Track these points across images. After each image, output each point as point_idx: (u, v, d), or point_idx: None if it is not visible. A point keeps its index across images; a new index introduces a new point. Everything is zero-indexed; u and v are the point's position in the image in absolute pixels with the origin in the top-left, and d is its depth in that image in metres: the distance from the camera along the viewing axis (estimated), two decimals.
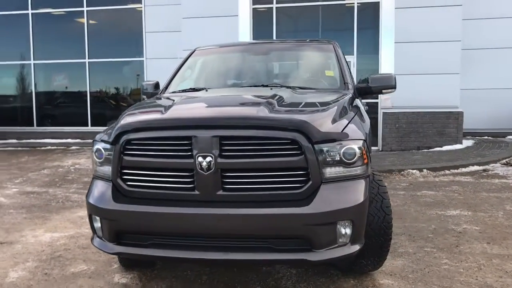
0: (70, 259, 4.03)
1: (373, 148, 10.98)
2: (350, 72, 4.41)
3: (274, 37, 11.43)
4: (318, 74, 4.51)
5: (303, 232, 2.81)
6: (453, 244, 4.24)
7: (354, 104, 3.74)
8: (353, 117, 3.29)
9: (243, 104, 3.42)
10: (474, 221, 4.98)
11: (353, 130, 3.07)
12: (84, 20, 14.67)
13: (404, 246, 4.21)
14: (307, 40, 4.84)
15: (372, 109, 11.30)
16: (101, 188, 3.15)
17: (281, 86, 4.02)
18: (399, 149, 10.96)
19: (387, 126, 11.04)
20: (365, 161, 3.05)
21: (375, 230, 3.24)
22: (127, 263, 3.74)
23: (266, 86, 4.05)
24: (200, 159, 2.82)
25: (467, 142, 11.20)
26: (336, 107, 3.29)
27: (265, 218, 2.79)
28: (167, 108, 3.19)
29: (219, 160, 2.82)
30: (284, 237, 2.85)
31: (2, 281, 3.61)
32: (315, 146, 2.83)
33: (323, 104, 3.41)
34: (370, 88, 4.21)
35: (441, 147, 10.76)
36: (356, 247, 2.97)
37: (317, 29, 11.99)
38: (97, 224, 3.13)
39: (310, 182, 2.85)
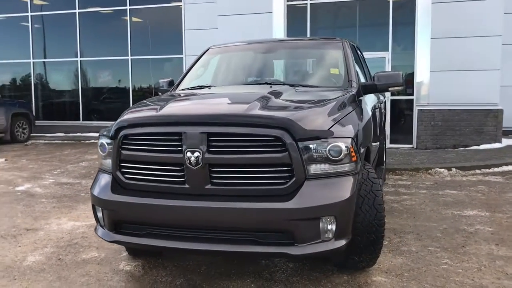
0: (85, 247, 4.29)
1: (407, 146, 10.89)
2: (367, 70, 4.42)
3: (308, 34, 11.42)
4: (323, 72, 4.55)
5: (286, 226, 2.90)
6: (460, 245, 4.19)
7: (353, 101, 3.77)
8: (346, 115, 3.34)
9: (233, 102, 3.53)
10: (489, 222, 4.87)
11: (341, 128, 3.12)
12: (127, 18, 15.18)
13: (408, 245, 4.20)
14: (317, 38, 4.89)
15: (407, 106, 11.13)
16: (103, 180, 3.36)
17: (284, 84, 4.11)
18: (434, 147, 10.72)
19: (422, 124, 10.82)
20: (353, 158, 3.10)
21: (367, 227, 3.27)
22: (134, 252, 3.95)
23: (269, 84, 4.14)
24: (189, 154, 2.97)
25: (508, 141, 10.79)
26: (328, 105, 3.35)
27: (250, 212, 2.90)
28: (163, 105, 3.36)
29: (207, 155, 2.95)
30: (267, 231, 2.95)
31: (20, 264, 3.90)
32: (299, 143, 2.91)
33: (316, 102, 3.47)
34: (375, 86, 4.21)
35: (479, 145, 10.44)
36: (341, 243, 3.03)
37: (350, 25, 11.89)
38: (99, 214, 3.34)
39: (294, 178, 2.94)
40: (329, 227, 2.98)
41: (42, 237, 4.61)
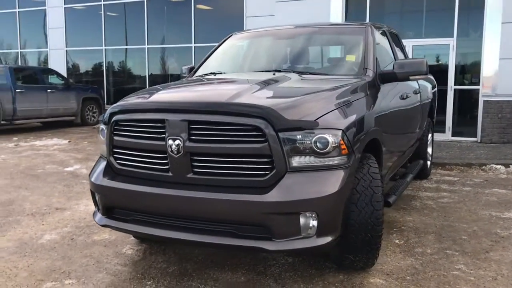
0: (100, 229, 4.41)
1: (471, 139, 10.19)
2: (398, 55, 4.10)
3: (367, 20, 10.95)
4: (338, 59, 4.31)
5: (262, 220, 2.79)
6: (484, 250, 3.82)
7: (362, 90, 3.53)
8: (343, 105, 3.13)
9: (220, 89, 3.44)
10: None
11: (331, 118, 2.93)
12: (192, 6, 15.42)
13: (425, 246, 3.90)
14: (343, 24, 4.63)
15: (472, 96, 10.38)
16: (99, 166, 3.43)
17: (292, 71, 3.94)
18: (500, 141, 9.91)
19: (488, 116, 10.03)
20: (344, 151, 2.91)
21: (362, 226, 3.07)
22: (139, 237, 4.00)
23: (278, 71, 4.00)
24: (170, 141, 2.93)
25: None
26: (322, 94, 3.17)
27: (226, 203, 2.81)
28: (157, 91, 3.34)
29: (188, 143, 2.89)
30: (245, 224, 2.85)
31: (35, 242, 4.10)
32: (280, 134, 2.77)
33: (312, 90, 3.29)
34: (394, 74, 3.92)
35: None
36: (324, 241, 2.86)
37: (410, 10, 11.23)
38: (96, 199, 3.41)
39: (275, 171, 2.80)
40: (310, 223, 2.83)
41: (66, 217, 4.81)
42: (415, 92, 5.16)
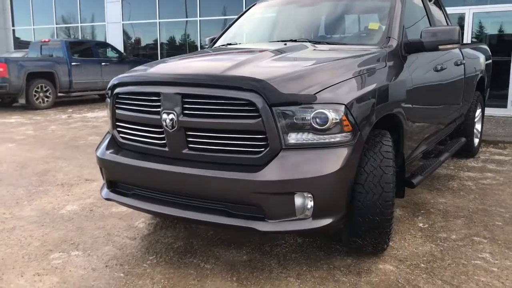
0: None
1: (506, 113, 9.32)
2: (436, 21, 3.72)
3: None
4: (360, 28, 3.98)
5: (253, 199, 2.64)
6: None
7: (379, 61, 3.24)
8: (351, 78, 2.88)
9: (219, 61, 3.26)
10: None
11: (333, 92, 2.70)
12: None
13: (450, 231, 3.60)
14: None
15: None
16: (105, 139, 3.40)
17: (308, 41, 3.70)
18: None
19: None
20: (347, 128, 2.69)
21: (369, 208, 2.85)
22: None
23: (294, 40, 3.76)
24: (164, 115, 2.83)
25: None
26: (328, 66, 2.94)
27: (218, 181, 2.68)
28: (157, 64, 3.23)
29: (181, 118, 2.78)
30: (237, 203, 2.72)
31: (56, 212, 4.20)
32: (274, 109, 2.59)
33: (319, 61, 3.05)
34: (421, 43, 3.57)
35: None
36: (321, 223, 2.69)
37: None
38: (102, 172, 3.40)
39: (269, 148, 2.63)
40: (306, 204, 2.65)
41: (92, 188, 4.90)
42: (457, 64, 4.73)
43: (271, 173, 2.58)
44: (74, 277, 2.98)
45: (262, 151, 2.65)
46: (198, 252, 3.31)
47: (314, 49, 3.47)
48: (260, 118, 2.60)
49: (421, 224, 3.75)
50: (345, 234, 3.07)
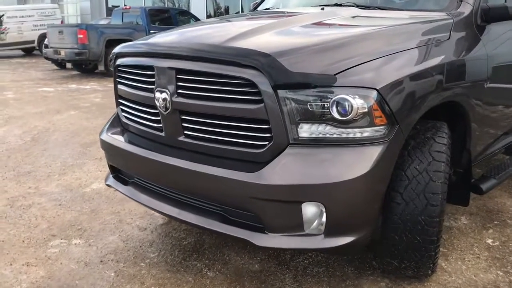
0: None
1: None
2: None
3: None
4: None
5: (250, 206, 2.10)
6: None
7: (438, 33, 2.49)
8: (390, 54, 2.18)
9: (229, 29, 2.66)
10: None
11: (361, 73, 2.04)
12: None
13: None
14: None
15: None
16: (110, 119, 3.01)
17: (356, 6, 2.99)
18: None
19: None
20: (380, 120, 2.04)
21: (407, 224, 2.20)
22: None
23: (339, 5, 3.08)
24: (157, 94, 2.35)
25: None
26: (359, 37, 2.29)
27: (211, 179, 2.16)
28: (164, 32, 2.74)
29: (175, 98, 2.28)
30: (233, 207, 2.19)
31: (80, 190, 3.95)
32: (279, 91, 1.99)
33: (352, 32, 2.38)
34: (506, 9, 2.71)
35: None
36: (337, 242, 2.08)
37: None
38: None
39: (272, 142, 2.06)
40: (318, 217, 2.05)
41: None
42: None
43: (272, 174, 2.01)
44: (62, 272, 2.66)
45: (265, 145, 2.08)
46: (206, 254, 2.84)
47: (355, 16, 2.77)
48: (263, 104, 2.02)
49: (490, 241, 2.98)
50: (379, 252, 2.43)
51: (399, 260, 2.34)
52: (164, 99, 2.30)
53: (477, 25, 2.74)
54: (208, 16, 17.37)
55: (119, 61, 2.70)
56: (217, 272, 2.64)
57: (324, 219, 2.04)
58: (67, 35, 11.92)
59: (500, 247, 2.90)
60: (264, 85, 2.00)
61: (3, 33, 18.55)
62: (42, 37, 17.56)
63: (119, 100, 2.81)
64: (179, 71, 2.25)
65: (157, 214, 3.39)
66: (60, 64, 14.09)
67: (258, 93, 2.02)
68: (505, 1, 2.76)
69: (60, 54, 12.15)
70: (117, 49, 2.73)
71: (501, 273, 2.59)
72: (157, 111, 2.41)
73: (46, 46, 13.18)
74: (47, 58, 13.27)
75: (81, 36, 11.55)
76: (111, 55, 2.79)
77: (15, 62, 16.87)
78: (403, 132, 2.13)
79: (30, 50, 20.19)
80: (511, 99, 3.19)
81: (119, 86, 2.75)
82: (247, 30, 2.36)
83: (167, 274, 2.63)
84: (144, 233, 3.13)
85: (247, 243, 2.14)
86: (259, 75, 2.00)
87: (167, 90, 2.29)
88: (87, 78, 11.94)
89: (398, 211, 2.20)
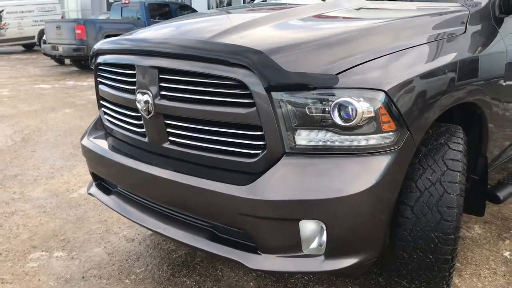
0: None
1: None
2: None
3: None
4: None
5: (241, 223, 1.86)
6: None
7: (452, 27, 2.23)
8: (398, 51, 1.92)
9: (220, 22, 2.42)
10: None
11: (366, 73, 1.80)
12: None
13: None
14: None
15: None
16: (92, 122, 2.77)
17: None
18: None
19: None
20: (387, 126, 1.79)
21: (418, 241, 1.96)
22: None
23: None
24: (139, 96, 2.10)
25: None
26: (365, 32, 2.03)
27: (198, 192, 1.92)
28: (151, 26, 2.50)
29: (158, 101, 2.03)
30: (222, 223, 1.95)
31: (67, 195, 3.72)
32: (273, 94, 1.75)
33: (357, 25, 2.13)
34: None
35: None
36: (338, 264, 1.84)
37: None
38: None
39: (266, 150, 1.81)
40: (317, 237, 1.81)
41: None
42: None
43: (265, 188, 1.77)
44: None
45: (258, 153, 1.84)
46: (198, 269, 2.61)
47: (360, 8, 2.52)
48: (255, 107, 1.78)
49: (507, 253, 2.73)
50: (386, 270, 2.19)
51: (408, 280, 2.09)
52: (146, 102, 2.06)
53: (495, 17, 2.48)
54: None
55: (100, 58, 2.46)
56: None
57: (324, 238, 1.80)
58: (65, 30, 11.67)
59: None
60: (256, 86, 1.75)
61: (3, 28, 18.34)
62: (42, 32, 17.30)
63: (101, 102, 2.57)
64: (162, 70, 2.01)
65: None
66: (59, 60, 13.86)
67: (250, 95, 1.77)
68: None
69: (58, 50, 11.91)
70: (98, 45, 2.49)
71: None
72: (140, 114, 2.17)
73: (45, 42, 12.95)
74: (45, 54, 13.03)
75: (79, 31, 11.31)
76: (91, 52, 2.54)
77: (14, 58, 16.66)
78: (414, 139, 1.88)
79: (30, 46, 19.95)
80: None
81: (100, 86, 2.51)
82: (239, 24, 2.11)
83: None
84: (132, 245, 2.90)
85: (239, 264, 1.90)
86: (251, 75, 1.75)
87: (149, 92, 2.05)
88: (85, 75, 11.70)
89: (408, 227, 1.96)
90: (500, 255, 2.71)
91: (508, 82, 2.50)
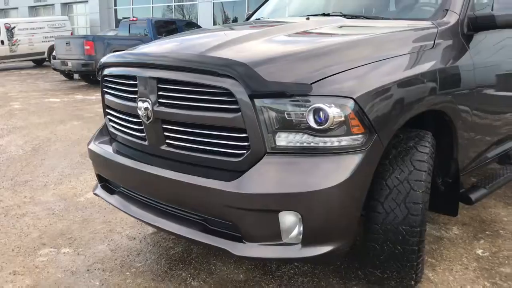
0: None
1: None
2: None
3: None
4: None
5: (226, 215, 2.10)
6: None
7: (420, 42, 2.48)
8: (369, 64, 2.17)
9: (210, 39, 2.67)
10: None
11: (338, 82, 2.05)
12: None
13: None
14: None
15: None
16: (98, 129, 3.04)
17: (343, 15, 3.00)
18: None
19: None
20: (357, 129, 2.04)
21: (388, 234, 2.19)
22: None
23: (327, 14, 3.09)
24: (139, 104, 2.37)
25: None
26: (338, 47, 2.30)
27: (190, 188, 2.17)
28: (151, 42, 2.77)
29: (156, 108, 2.30)
30: (212, 216, 2.19)
31: (74, 199, 3.97)
32: (256, 100, 2.00)
33: (332, 41, 2.39)
34: (493, 18, 2.69)
35: None
36: (315, 251, 2.07)
37: None
38: None
39: (250, 150, 2.06)
40: (295, 227, 2.05)
41: None
42: None
43: (249, 183, 2.01)
44: (48, 281, 2.67)
45: (243, 153, 2.09)
46: (193, 263, 2.84)
47: (340, 26, 2.78)
48: (240, 113, 2.03)
49: (480, 251, 2.94)
50: (362, 262, 2.42)
51: (381, 270, 2.32)
52: (146, 109, 2.32)
53: (463, 34, 2.73)
54: None
55: (106, 71, 2.74)
56: (202, 282, 2.63)
57: (301, 228, 2.03)
58: (74, 46, 12.07)
59: (490, 258, 2.86)
60: (240, 94, 2.01)
61: (14, 45, 18.86)
62: (52, 48, 17.77)
63: (106, 110, 2.84)
64: (160, 80, 2.27)
65: None
66: (68, 75, 14.25)
67: (235, 102, 2.03)
68: (492, 9, 2.72)
69: (67, 65, 12.30)
70: (104, 59, 2.77)
71: (488, 284, 2.56)
72: (140, 120, 2.43)
73: (55, 57, 13.35)
74: (55, 69, 13.43)
75: (87, 47, 11.69)
76: (98, 65, 2.82)
77: (25, 73, 17.11)
78: (382, 141, 2.12)
79: (40, 62, 20.46)
80: (501, 108, 3.17)
81: (106, 96, 2.78)
82: (229, 39, 2.38)
83: (152, 283, 2.63)
84: (133, 243, 3.14)
85: (225, 252, 2.14)
86: (236, 84, 2.01)
87: (149, 100, 2.31)
88: (93, 89, 12.05)
89: (379, 221, 2.19)
90: (473, 253, 2.91)
91: (476, 94, 2.74)
